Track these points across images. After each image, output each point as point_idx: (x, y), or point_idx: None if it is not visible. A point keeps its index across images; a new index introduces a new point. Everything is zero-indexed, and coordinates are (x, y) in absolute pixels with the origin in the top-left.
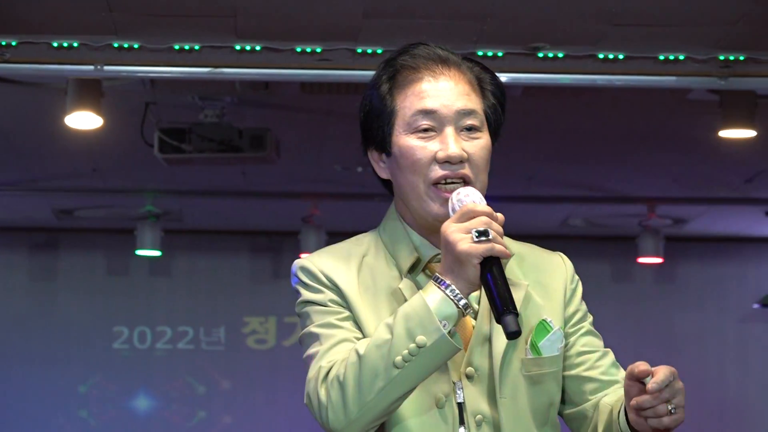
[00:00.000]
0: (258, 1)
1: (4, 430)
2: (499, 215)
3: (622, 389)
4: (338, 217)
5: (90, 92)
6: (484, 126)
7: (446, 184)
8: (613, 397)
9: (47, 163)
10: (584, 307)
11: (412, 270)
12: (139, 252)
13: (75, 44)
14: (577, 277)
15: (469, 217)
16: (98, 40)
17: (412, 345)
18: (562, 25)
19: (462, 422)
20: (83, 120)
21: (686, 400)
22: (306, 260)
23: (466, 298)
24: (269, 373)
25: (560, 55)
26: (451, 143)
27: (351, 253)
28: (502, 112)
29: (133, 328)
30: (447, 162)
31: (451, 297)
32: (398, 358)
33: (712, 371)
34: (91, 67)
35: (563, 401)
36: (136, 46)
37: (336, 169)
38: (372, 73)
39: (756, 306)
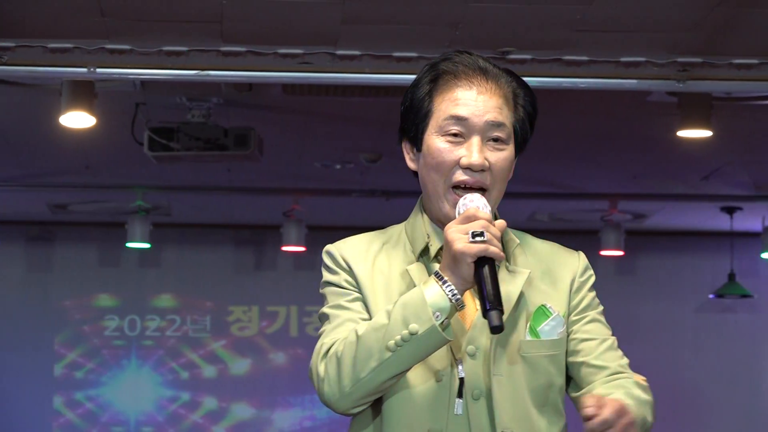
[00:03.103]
0: (243, 7)
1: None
2: (500, 222)
3: (613, 389)
4: (318, 211)
5: (83, 93)
6: (511, 139)
7: (464, 188)
8: (602, 392)
9: (43, 160)
10: (591, 297)
11: (424, 255)
12: (130, 244)
13: (69, 47)
14: (590, 272)
15: (469, 220)
16: (91, 43)
17: (405, 332)
18: (530, 30)
19: (460, 395)
20: (77, 119)
21: None
22: (331, 245)
23: (461, 293)
24: (252, 358)
25: (527, 58)
26: (475, 152)
27: (373, 240)
28: (531, 126)
29: (123, 316)
30: (469, 168)
31: (446, 292)
32: (391, 342)
33: (669, 358)
34: (85, 70)
35: (571, 385)
36: (127, 49)
37: (316, 166)
38: (350, 75)
39: (711, 296)
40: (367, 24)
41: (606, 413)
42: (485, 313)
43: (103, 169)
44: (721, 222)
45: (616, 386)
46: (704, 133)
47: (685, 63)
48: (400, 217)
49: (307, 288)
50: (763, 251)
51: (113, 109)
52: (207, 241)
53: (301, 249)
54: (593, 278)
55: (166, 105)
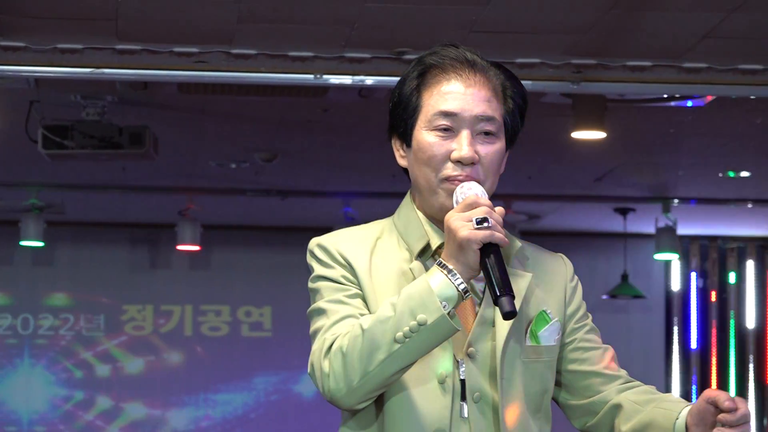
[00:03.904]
0: (138, 5)
1: None
2: (499, 208)
3: (650, 394)
4: (213, 210)
5: None
6: (500, 131)
7: (456, 180)
8: (638, 397)
9: None
10: (585, 305)
11: (422, 254)
12: (23, 243)
13: None
14: (576, 277)
15: (470, 207)
16: None
17: (413, 322)
18: (425, 31)
19: (463, 398)
20: None
21: None
22: (323, 238)
23: (466, 282)
24: (147, 357)
25: None
26: (465, 145)
27: (366, 235)
28: (522, 118)
29: (16, 315)
30: (459, 162)
31: (452, 280)
32: (399, 334)
33: None
34: None
35: (569, 393)
36: (21, 46)
37: (211, 165)
38: (245, 74)
39: (604, 297)
40: (263, 23)
41: (745, 408)
42: (496, 300)
43: None
44: (615, 223)
45: (649, 391)
46: (598, 135)
47: (579, 65)
48: (296, 217)
49: (202, 287)
50: (655, 252)
51: (7, 107)
52: (101, 239)
53: (196, 248)
54: (580, 284)
55: (60, 103)
